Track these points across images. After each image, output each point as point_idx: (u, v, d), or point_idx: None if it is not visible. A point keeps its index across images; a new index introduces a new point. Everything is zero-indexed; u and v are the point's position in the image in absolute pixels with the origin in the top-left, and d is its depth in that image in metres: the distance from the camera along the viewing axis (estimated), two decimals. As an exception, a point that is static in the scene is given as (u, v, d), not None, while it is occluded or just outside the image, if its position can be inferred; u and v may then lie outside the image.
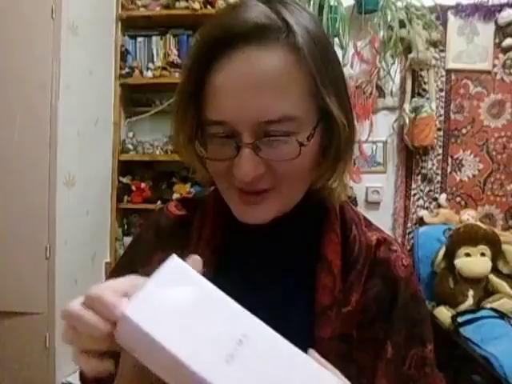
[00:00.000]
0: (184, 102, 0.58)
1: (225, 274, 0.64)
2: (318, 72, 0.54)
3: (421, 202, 2.86)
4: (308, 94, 0.55)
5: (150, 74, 2.83)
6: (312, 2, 2.61)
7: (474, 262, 2.41)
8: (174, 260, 0.41)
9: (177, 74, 2.81)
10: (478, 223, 2.56)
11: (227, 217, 0.64)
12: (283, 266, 0.65)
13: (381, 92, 2.85)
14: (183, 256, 0.65)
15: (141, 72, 2.86)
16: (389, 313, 0.62)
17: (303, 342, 0.61)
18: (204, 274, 0.43)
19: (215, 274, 0.63)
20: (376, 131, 2.85)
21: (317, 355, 0.44)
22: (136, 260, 0.70)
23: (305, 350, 0.61)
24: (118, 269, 0.74)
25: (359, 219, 0.68)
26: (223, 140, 0.55)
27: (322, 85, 0.55)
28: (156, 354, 0.36)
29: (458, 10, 2.78)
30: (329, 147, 0.59)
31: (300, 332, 0.61)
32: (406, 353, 0.62)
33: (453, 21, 2.80)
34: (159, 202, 2.81)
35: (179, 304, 0.38)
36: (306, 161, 0.57)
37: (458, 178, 2.84)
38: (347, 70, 2.77)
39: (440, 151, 2.84)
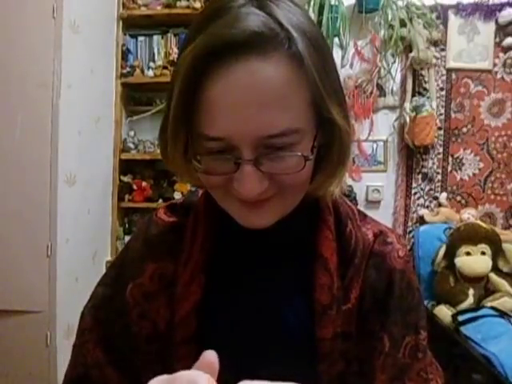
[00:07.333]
0: (176, 116, 0.52)
1: (220, 277, 0.64)
2: (321, 80, 0.51)
3: (421, 200, 2.86)
4: (309, 103, 0.52)
5: (151, 73, 2.84)
6: (312, 2, 2.61)
7: (474, 260, 2.41)
8: None
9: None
10: (479, 222, 2.56)
11: (220, 219, 0.63)
12: (279, 266, 0.64)
13: (381, 91, 2.85)
14: (176, 264, 0.65)
15: (142, 71, 2.87)
16: (384, 304, 0.62)
17: (302, 342, 0.62)
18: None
19: (211, 278, 0.63)
20: (376, 130, 2.85)
21: None
22: (125, 273, 0.68)
23: (304, 351, 0.62)
24: (108, 281, 0.71)
25: (354, 214, 0.67)
26: (220, 155, 0.52)
27: (326, 94, 0.51)
28: None
29: (459, 9, 2.79)
30: (329, 153, 0.57)
31: (299, 332, 0.61)
32: (400, 342, 0.61)
33: (453, 20, 2.80)
34: (160, 201, 2.81)
35: None
36: (309, 170, 0.55)
37: (458, 177, 2.84)
38: (347, 70, 2.77)
39: (440, 150, 2.84)
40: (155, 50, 2.90)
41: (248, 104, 0.48)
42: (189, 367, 0.63)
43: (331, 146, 0.56)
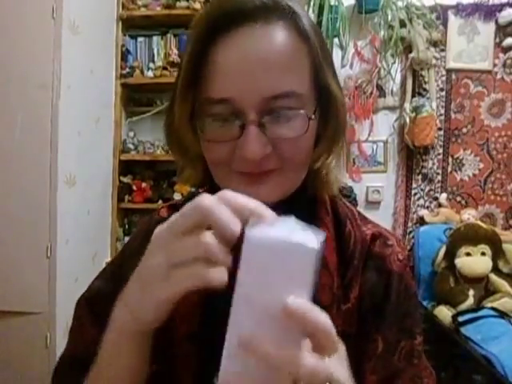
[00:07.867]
0: (185, 79, 0.56)
1: None
2: (322, 51, 0.56)
3: (421, 201, 2.86)
4: (310, 72, 0.56)
5: (150, 73, 2.84)
6: (312, 3, 2.61)
7: (474, 261, 2.41)
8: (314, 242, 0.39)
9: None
10: (479, 222, 2.56)
11: None
12: None
13: (381, 91, 2.85)
14: None
15: (141, 72, 2.87)
16: (381, 307, 0.62)
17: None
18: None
19: None
20: (376, 131, 2.85)
21: None
22: (124, 270, 0.66)
23: None
24: (108, 276, 0.72)
25: (353, 214, 0.68)
26: (225, 120, 0.54)
27: (325, 63, 0.57)
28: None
29: (459, 9, 2.79)
30: (326, 127, 0.60)
31: None
32: (395, 346, 0.61)
33: (453, 20, 2.80)
34: (160, 202, 2.81)
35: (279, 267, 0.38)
36: (309, 140, 0.57)
37: (458, 178, 2.84)
38: (347, 70, 2.77)
39: (440, 151, 2.84)
40: (155, 51, 2.90)
41: (253, 64, 0.52)
42: (190, 364, 0.63)
43: (328, 120, 0.60)
